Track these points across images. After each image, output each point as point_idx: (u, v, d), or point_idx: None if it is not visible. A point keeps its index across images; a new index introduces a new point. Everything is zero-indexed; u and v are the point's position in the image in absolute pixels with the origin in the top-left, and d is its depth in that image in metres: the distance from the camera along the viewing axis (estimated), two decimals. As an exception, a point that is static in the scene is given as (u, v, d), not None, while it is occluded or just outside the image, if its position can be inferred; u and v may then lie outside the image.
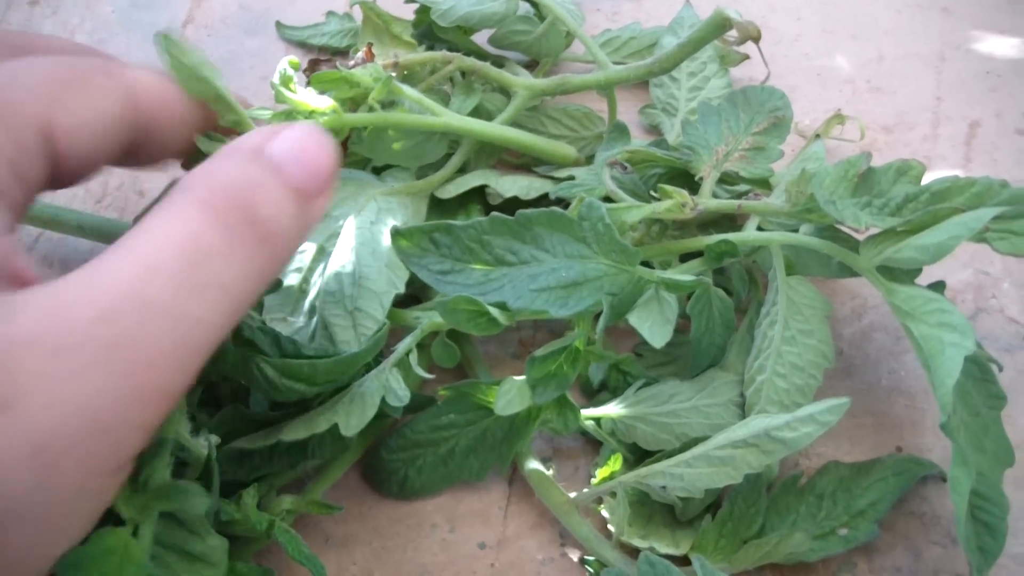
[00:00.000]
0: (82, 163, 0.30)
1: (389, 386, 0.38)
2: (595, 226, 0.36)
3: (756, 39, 0.41)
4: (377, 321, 0.39)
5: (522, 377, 0.38)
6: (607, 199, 0.42)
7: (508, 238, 0.36)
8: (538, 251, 0.36)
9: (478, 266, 0.36)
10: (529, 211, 0.36)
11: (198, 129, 0.34)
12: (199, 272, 0.25)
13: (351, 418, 0.37)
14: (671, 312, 0.37)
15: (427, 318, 0.40)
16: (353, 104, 0.42)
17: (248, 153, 0.29)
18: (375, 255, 0.41)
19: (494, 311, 0.35)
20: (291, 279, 0.41)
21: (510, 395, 0.38)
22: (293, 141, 0.29)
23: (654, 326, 0.36)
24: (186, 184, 0.27)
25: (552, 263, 0.36)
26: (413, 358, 0.39)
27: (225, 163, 0.28)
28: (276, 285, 0.40)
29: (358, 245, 0.41)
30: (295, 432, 0.37)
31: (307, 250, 0.41)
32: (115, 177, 0.55)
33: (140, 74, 0.32)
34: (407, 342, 0.39)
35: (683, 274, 0.38)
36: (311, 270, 0.41)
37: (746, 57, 0.53)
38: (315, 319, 0.40)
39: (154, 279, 0.24)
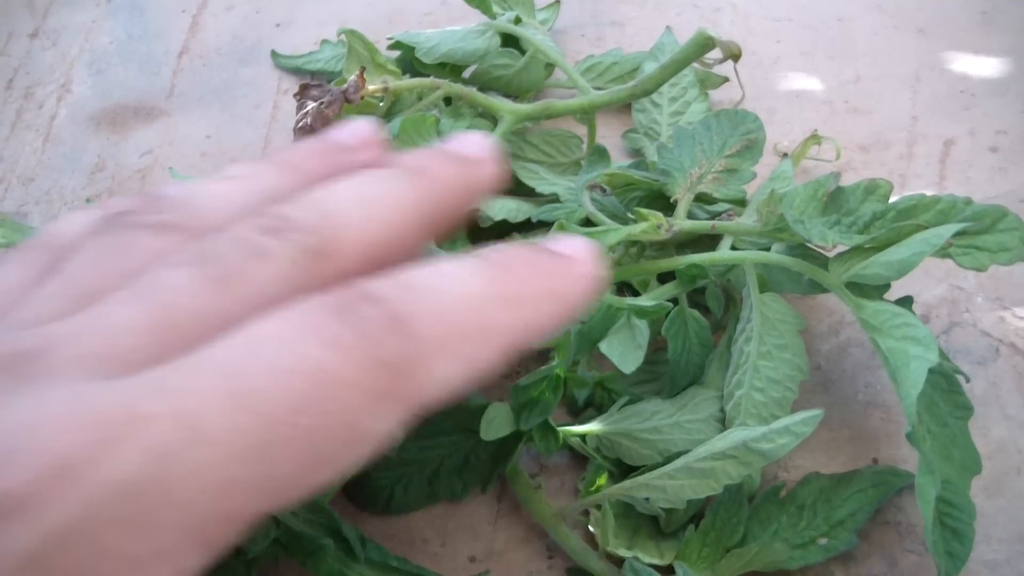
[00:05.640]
0: None
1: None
2: None
3: (737, 58, 0.42)
4: None
5: (506, 403, 0.39)
6: (588, 221, 0.43)
7: None
8: None
9: None
10: None
11: None
12: None
13: None
14: (642, 338, 0.38)
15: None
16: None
17: None
18: None
19: None
20: None
21: (494, 421, 0.39)
22: None
23: (625, 353, 0.38)
24: None
25: None
26: None
27: None
28: None
29: None
30: None
31: None
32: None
33: None
34: None
35: (655, 299, 0.39)
36: None
37: (725, 80, 0.55)
38: None
39: None
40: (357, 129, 0.29)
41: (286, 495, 0.21)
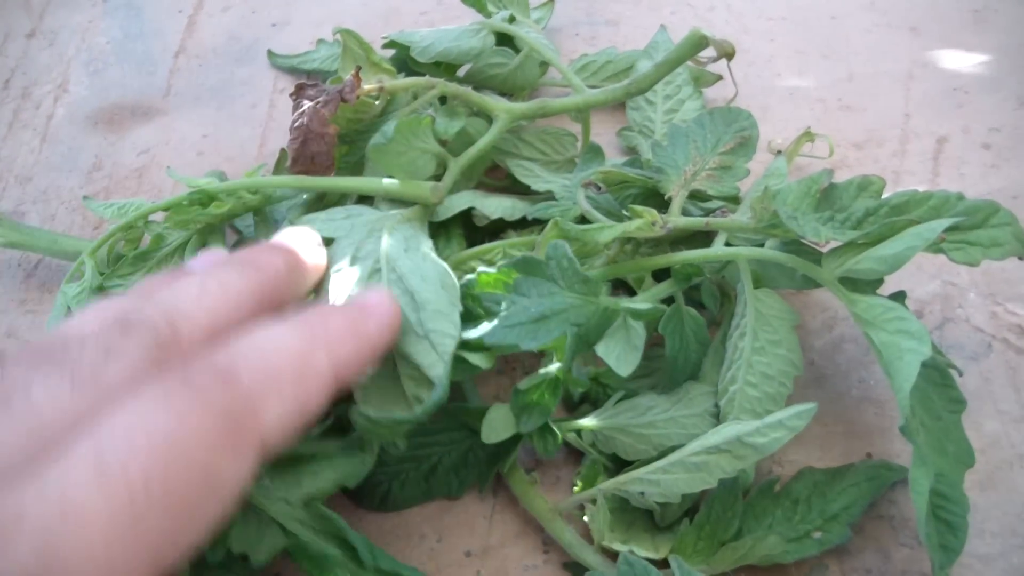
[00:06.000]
0: None
1: None
2: (560, 263, 0.38)
3: (731, 56, 0.43)
4: (452, 337, 0.36)
5: (507, 405, 0.40)
6: (583, 219, 0.43)
7: (491, 290, 0.38)
8: (516, 296, 0.38)
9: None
10: (507, 261, 0.38)
11: None
12: None
13: (354, 468, 0.39)
14: (638, 339, 0.39)
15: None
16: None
17: None
18: (425, 279, 0.38)
19: (473, 356, 0.37)
20: None
21: (496, 424, 0.40)
22: None
23: (621, 355, 0.38)
24: None
25: (525, 303, 0.37)
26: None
27: None
28: None
29: (405, 274, 0.39)
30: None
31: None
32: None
33: None
34: None
35: (650, 299, 0.39)
36: None
37: (719, 78, 0.55)
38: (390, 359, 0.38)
39: None
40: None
41: (169, 553, 0.24)
